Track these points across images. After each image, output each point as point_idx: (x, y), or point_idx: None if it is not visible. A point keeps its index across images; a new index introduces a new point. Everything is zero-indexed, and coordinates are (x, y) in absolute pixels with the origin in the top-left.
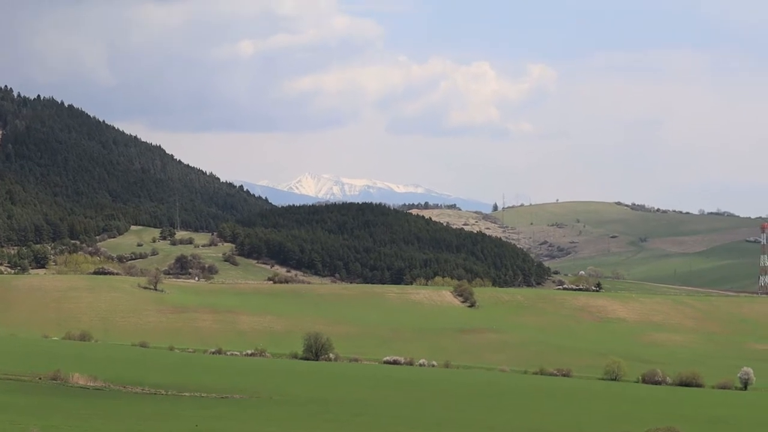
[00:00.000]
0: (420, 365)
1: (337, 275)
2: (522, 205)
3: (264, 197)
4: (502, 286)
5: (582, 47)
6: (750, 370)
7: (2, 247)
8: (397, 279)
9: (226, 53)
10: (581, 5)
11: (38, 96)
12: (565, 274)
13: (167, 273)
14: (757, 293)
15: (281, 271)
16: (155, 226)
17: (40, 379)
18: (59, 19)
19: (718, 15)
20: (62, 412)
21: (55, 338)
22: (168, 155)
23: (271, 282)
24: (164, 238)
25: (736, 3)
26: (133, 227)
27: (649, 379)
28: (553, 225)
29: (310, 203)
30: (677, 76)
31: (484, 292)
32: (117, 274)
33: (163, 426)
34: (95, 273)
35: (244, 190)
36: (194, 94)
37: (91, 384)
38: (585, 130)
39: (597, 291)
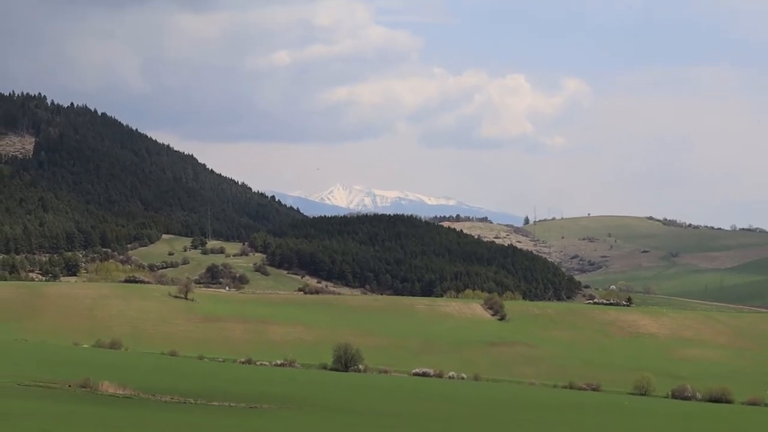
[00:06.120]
0: (449, 378)
1: (367, 286)
2: (554, 219)
3: (296, 207)
4: (533, 300)
5: (616, 62)
6: None
7: (34, 254)
8: (428, 291)
9: (261, 63)
10: (616, 20)
11: (71, 104)
12: (596, 289)
13: (198, 282)
14: None
15: (312, 281)
16: (187, 236)
17: (69, 386)
18: (93, 27)
19: (749, 32)
20: (92, 420)
21: (86, 346)
22: (200, 164)
23: (302, 292)
24: (195, 248)
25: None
26: (164, 236)
27: (678, 395)
28: (584, 239)
29: (342, 214)
30: (710, 92)
31: (514, 306)
32: (148, 282)
33: None
34: (126, 281)
35: (276, 200)
36: (228, 103)
37: (121, 392)
38: (618, 145)
39: (627, 306)
